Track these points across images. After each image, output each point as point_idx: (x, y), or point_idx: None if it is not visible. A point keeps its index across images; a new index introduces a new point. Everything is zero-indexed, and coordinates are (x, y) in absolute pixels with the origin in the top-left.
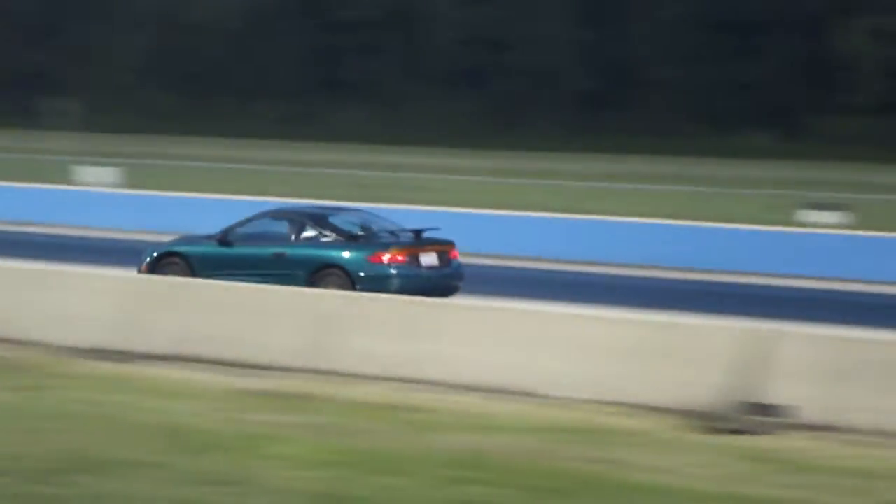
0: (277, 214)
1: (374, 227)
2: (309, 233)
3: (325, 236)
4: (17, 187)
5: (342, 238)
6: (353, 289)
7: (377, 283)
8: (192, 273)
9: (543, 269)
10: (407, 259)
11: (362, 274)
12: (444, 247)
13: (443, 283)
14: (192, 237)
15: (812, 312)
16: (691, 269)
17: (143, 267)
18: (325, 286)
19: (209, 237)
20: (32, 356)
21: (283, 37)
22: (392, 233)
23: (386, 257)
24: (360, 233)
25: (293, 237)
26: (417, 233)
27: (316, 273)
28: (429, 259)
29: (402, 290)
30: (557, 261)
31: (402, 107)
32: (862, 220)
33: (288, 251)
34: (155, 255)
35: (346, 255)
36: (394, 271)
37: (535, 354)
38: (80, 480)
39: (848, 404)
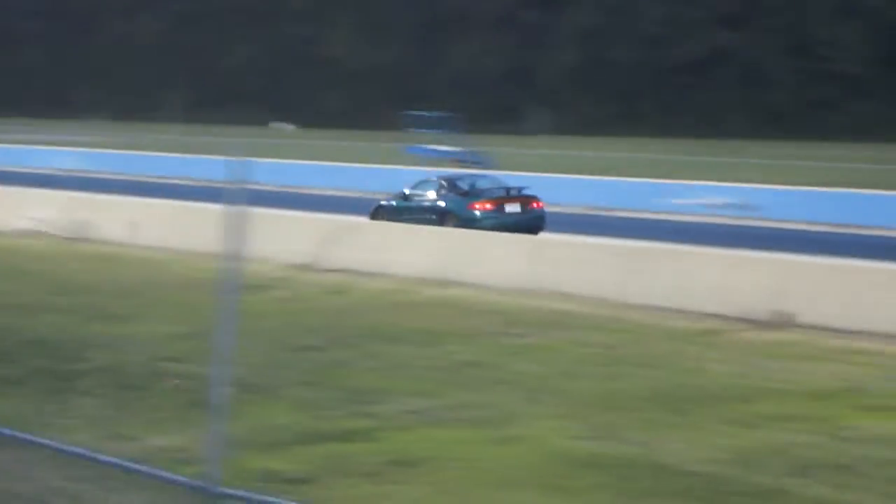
0: (430, 180)
1: (485, 187)
2: (442, 191)
3: (450, 193)
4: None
5: (457, 194)
6: (462, 226)
7: (472, 222)
8: (388, 219)
9: None
10: (494, 207)
11: (462, 216)
12: (527, 199)
13: (525, 224)
14: (394, 195)
15: None
16: None
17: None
18: (446, 224)
19: (400, 195)
20: None
21: None
22: (494, 190)
23: (478, 206)
24: (467, 190)
25: (434, 194)
26: (509, 189)
27: (442, 216)
28: (512, 207)
29: (491, 228)
30: None
31: None
32: None
33: (427, 203)
34: (372, 207)
35: (454, 205)
36: (480, 215)
37: None
38: None
39: None
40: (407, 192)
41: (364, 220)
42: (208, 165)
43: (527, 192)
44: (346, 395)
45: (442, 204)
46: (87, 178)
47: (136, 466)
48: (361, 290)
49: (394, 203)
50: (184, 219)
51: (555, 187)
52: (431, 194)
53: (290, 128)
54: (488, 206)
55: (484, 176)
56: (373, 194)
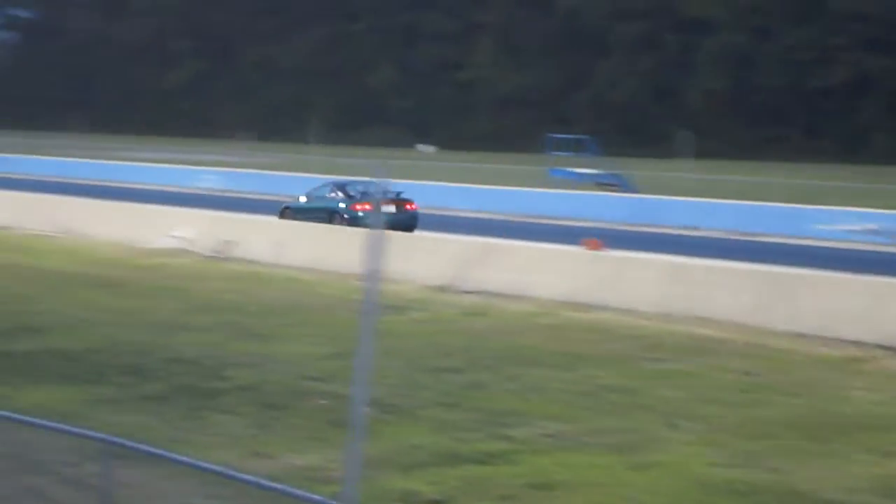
0: (325, 185)
1: (368, 191)
2: (332, 194)
3: (338, 195)
4: None
5: (344, 196)
6: (347, 224)
7: (355, 220)
8: (292, 218)
9: None
10: (371, 207)
11: (346, 216)
12: (403, 202)
13: (399, 222)
14: (296, 198)
15: None
16: None
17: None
18: (334, 222)
19: (305, 195)
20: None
21: None
22: (375, 194)
23: (359, 206)
24: (353, 194)
25: (326, 196)
26: (386, 193)
27: (331, 215)
28: (388, 208)
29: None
30: None
31: None
32: None
33: (321, 204)
34: (280, 209)
35: (341, 205)
36: (361, 214)
37: None
38: None
39: None
40: (306, 195)
41: (504, 241)
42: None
43: (403, 196)
44: (483, 417)
45: (332, 205)
46: (231, 197)
47: (275, 485)
48: (500, 312)
49: (296, 204)
50: (329, 239)
51: (697, 211)
52: (325, 197)
53: (432, 150)
54: (367, 206)
55: (370, 182)
56: (515, 217)
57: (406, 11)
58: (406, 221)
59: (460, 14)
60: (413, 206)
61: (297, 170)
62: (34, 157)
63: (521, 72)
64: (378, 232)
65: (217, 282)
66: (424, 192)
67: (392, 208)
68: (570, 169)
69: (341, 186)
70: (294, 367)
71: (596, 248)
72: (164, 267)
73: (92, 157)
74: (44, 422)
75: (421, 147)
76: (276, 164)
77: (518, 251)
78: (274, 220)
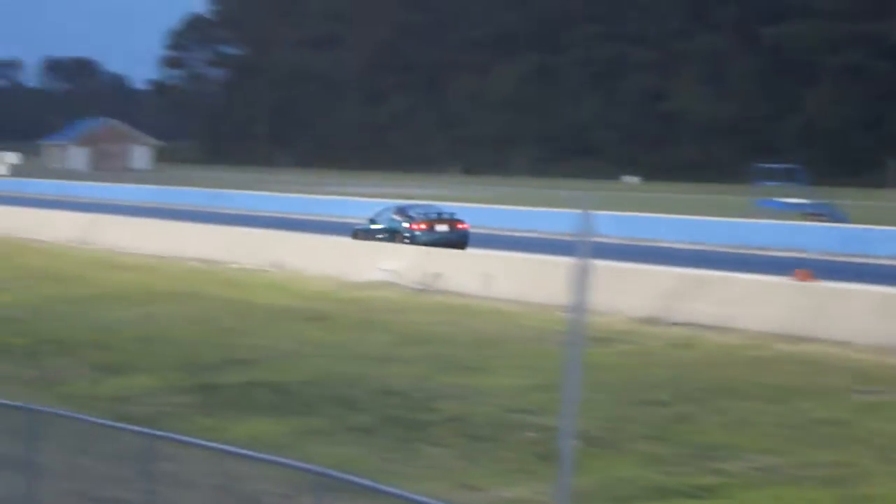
0: (387, 209)
1: (425, 212)
2: (395, 216)
3: (399, 217)
4: None
5: (403, 218)
6: (406, 243)
7: (412, 239)
8: (362, 238)
9: None
10: (427, 227)
11: (406, 235)
12: (454, 222)
13: (451, 239)
14: (365, 221)
15: None
16: None
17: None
18: (395, 241)
19: (368, 220)
20: None
21: None
22: (430, 215)
23: (415, 226)
24: (413, 215)
25: (390, 217)
26: (441, 214)
27: (393, 235)
28: (441, 227)
29: (424, 243)
30: None
31: None
32: None
33: (386, 224)
34: (352, 231)
35: (403, 225)
36: (416, 233)
37: None
38: None
39: None
40: (371, 219)
41: (711, 273)
42: (557, 218)
43: (456, 216)
44: (692, 450)
45: (395, 226)
46: None
47: None
48: (708, 344)
49: (365, 227)
50: (537, 271)
51: None
52: (389, 219)
53: (637, 181)
54: (423, 226)
55: (428, 205)
56: (721, 247)
57: (610, 43)
58: (457, 239)
59: (664, 45)
60: (464, 226)
61: (502, 202)
62: (245, 192)
63: (725, 101)
64: (583, 264)
65: (425, 314)
66: (630, 224)
67: (445, 227)
68: (777, 199)
69: (402, 210)
70: (501, 399)
71: (807, 279)
72: (372, 300)
73: (300, 192)
74: (256, 454)
75: (626, 178)
76: (482, 197)
77: (726, 282)
78: (480, 252)
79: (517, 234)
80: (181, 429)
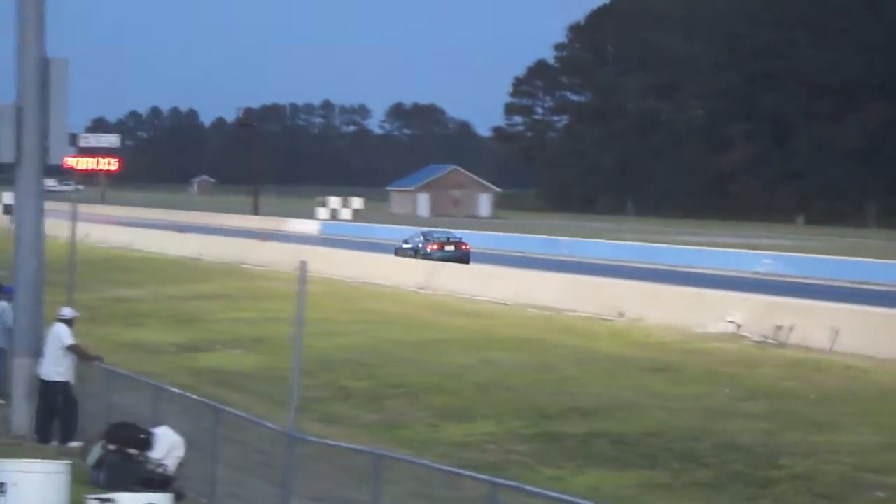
0: (419, 233)
1: (439, 237)
2: (418, 238)
3: (421, 239)
4: None
5: (424, 240)
6: (424, 258)
7: (427, 255)
8: (401, 255)
9: None
10: (438, 247)
11: (422, 253)
12: (459, 243)
13: (455, 256)
14: (401, 242)
15: None
16: None
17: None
18: (418, 257)
19: (403, 241)
20: None
21: None
22: (441, 238)
23: (430, 246)
24: (430, 238)
25: (415, 239)
26: (449, 238)
27: (416, 252)
28: (449, 247)
29: (437, 259)
30: None
31: None
32: None
33: (412, 245)
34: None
35: (420, 245)
36: (430, 252)
37: None
38: None
39: None
40: (405, 240)
41: None
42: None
43: (462, 240)
44: None
45: (417, 247)
46: (787, 282)
47: None
48: None
49: (400, 247)
50: (886, 326)
51: None
52: (415, 240)
53: None
54: (436, 246)
55: (444, 231)
56: None
57: None
58: (460, 256)
59: None
60: (466, 247)
61: (852, 254)
62: (584, 239)
63: None
64: None
65: (769, 368)
66: None
67: (452, 248)
68: None
69: (426, 234)
70: (851, 457)
71: None
72: (716, 352)
73: (642, 240)
74: None
75: None
76: (830, 248)
77: None
78: (829, 305)
79: (855, 286)
80: (524, 477)
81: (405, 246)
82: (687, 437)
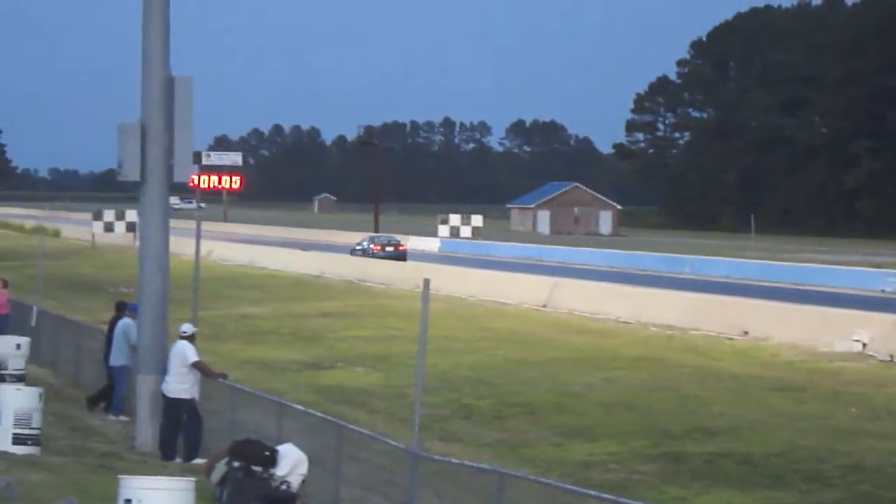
0: (367, 237)
1: (383, 240)
2: (365, 242)
3: (368, 242)
4: None
5: (370, 243)
6: (370, 258)
7: (373, 255)
8: (355, 255)
9: None
10: (380, 248)
11: (369, 253)
12: (397, 245)
13: (392, 256)
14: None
15: None
16: None
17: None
18: (366, 256)
19: (356, 244)
20: None
21: None
22: (383, 241)
23: (374, 248)
24: (374, 241)
25: (364, 243)
26: (390, 241)
27: (364, 253)
28: (389, 248)
29: (380, 258)
30: None
31: None
32: None
33: (362, 247)
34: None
35: (368, 247)
36: (374, 251)
37: None
38: None
39: None
40: (358, 242)
41: None
42: None
43: (400, 243)
44: None
45: (365, 248)
46: None
47: None
48: None
49: (353, 248)
50: None
51: None
52: (363, 244)
53: None
54: (378, 248)
55: (387, 237)
56: None
57: None
58: (398, 256)
59: None
60: (402, 248)
61: None
62: (707, 257)
63: None
64: None
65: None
66: None
67: (392, 249)
68: None
69: (371, 238)
70: None
71: None
72: (842, 371)
73: (765, 258)
74: None
75: None
76: None
77: None
78: None
79: None
80: (648, 498)
81: (357, 248)
82: (813, 458)
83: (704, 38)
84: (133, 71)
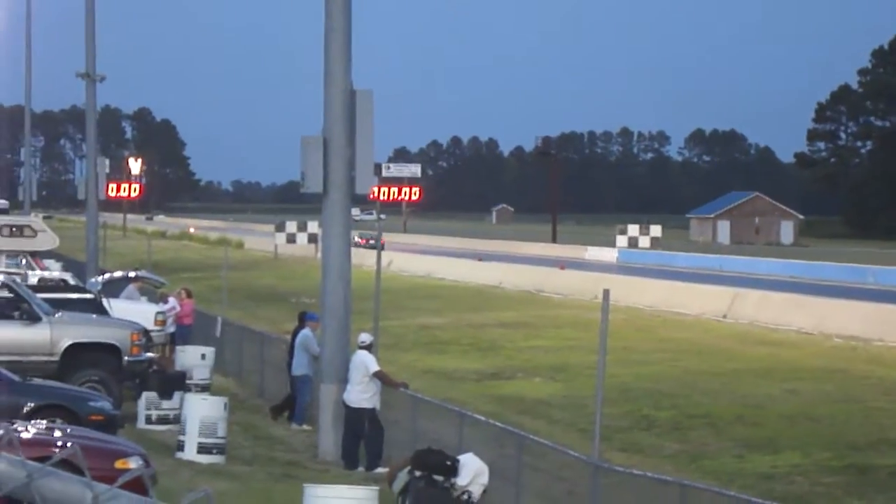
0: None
1: (365, 236)
2: (354, 236)
3: (357, 238)
4: None
5: (357, 237)
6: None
7: (356, 246)
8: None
9: None
10: (364, 242)
11: (356, 246)
12: (378, 240)
13: (374, 247)
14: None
15: None
16: None
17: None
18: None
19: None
20: None
21: None
22: (367, 237)
23: (361, 242)
24: (359, 237)
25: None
26: (371, 238)
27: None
28: (371, 241)
29: (363, 248)
30: None
31: None
32: None
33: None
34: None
35: (355, 241)
36: (360, 245)
37: None
38: None
39: None
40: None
41: None
42: None
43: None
44: None
45: (354, 242)
46: None
47: None
48: None
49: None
50: None
51: None
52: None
53: None
54: (362, 242)
55: (371, 233)
56: None
57: None
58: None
59: None
60: (383, 241)
61: None
62: (892, 267)
63: None
64: None
65: None
66: None
67: (372, 241)
68: None
69: (360, 235)
70: None
71: None
72: None
73: None
74: None
75: None
76: None
77: None
78: None
79: None
80: None
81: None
82: None
83: (886, 47)
84: (314, 84)
